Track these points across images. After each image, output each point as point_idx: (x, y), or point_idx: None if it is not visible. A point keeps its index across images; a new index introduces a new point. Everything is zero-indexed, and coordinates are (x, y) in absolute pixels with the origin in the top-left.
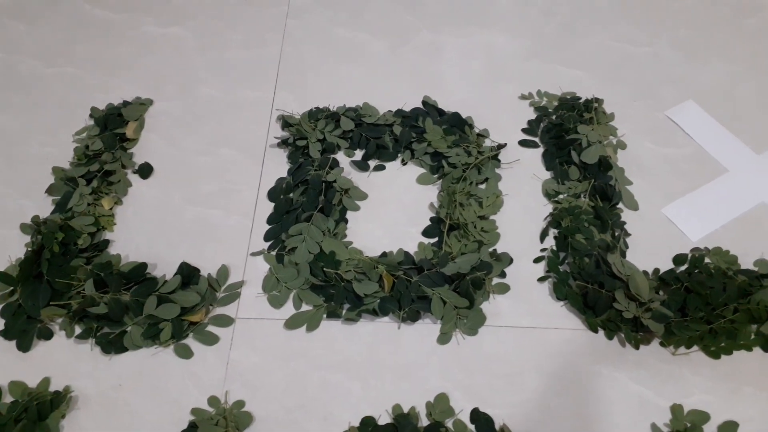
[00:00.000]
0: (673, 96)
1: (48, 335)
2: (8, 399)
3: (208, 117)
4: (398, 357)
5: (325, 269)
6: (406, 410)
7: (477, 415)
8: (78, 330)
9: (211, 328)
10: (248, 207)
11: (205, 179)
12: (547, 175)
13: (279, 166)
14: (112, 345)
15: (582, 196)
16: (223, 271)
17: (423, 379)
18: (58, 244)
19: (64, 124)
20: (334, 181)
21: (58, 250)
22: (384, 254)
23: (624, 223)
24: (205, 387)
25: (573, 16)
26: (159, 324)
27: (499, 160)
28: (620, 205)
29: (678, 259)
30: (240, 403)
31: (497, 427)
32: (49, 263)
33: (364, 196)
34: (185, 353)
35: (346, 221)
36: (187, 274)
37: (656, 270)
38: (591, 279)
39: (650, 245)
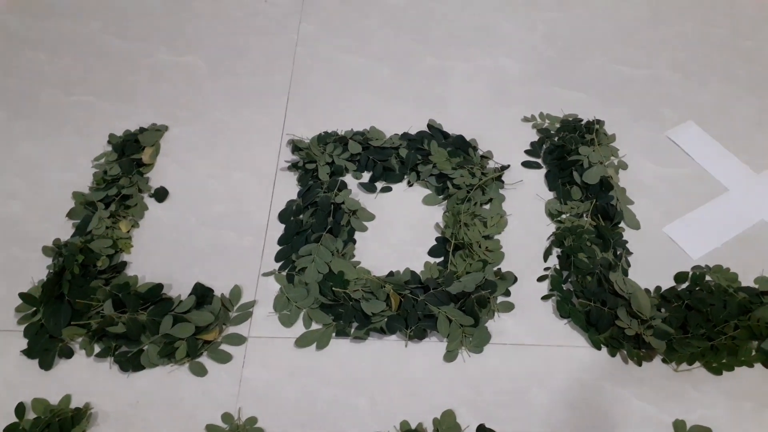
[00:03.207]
0: (673, 117)
1: (69, 354)
2: (31, 415)
3: (220, 141)
4: (405, 374)
5: (333, 289)
6: (413, 426)
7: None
8: (97, 349)
9: (224, 347)
10: (260, 228)
11: (218, 201)
12: (550, 195)
13: (289, 188)
14: (130, 363)
15: (584, 215)
16: (236, 292)
17: (430, 396)
18: (78, 266)
19: (83, 150)
20: (343, 203)
21: (79, 271)
22: (391, 273)
23: (626, 242)
24: (218, 404)
25: (574, 40)
26: (174, 343)
27: (502, 181)
28: (622, 225)
29: (679, 277)
30: (252, 420)
31: None
32: (70, 284)
33: (371, 217)
34: (200, 371)
35: (354, 241)
36: (201, 294)
37: (658, 288)
38: (593, 297)
39: (651, 264)
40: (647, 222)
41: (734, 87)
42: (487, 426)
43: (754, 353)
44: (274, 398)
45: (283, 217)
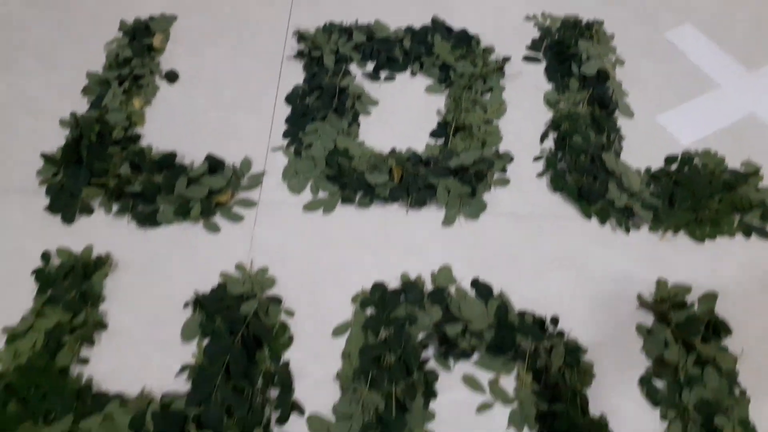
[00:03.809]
0: (672, 20)
1: (89, 211)
2: (56, 263)
3: (229, 31)
4: (406, 237)
5: (339, 161)
6: (412, 278)
7: (477, 283)
8: (115, 208)
9: (236, 209)
10: (267, 111)
11: (226, 86)
12: (549, 87)
13: (295, 77)
14: (147, 220)
15: (581, 104)
16: (246, 162)
17: (428, 255)
18: (95, 135)
19: (95, 36)
20: (347, 87)
21: (95, 140)
22: (393, 151)
23: (619, 128)
24: (232, 257)
25: None
26: (189, 203)
27: (503, 72)
28: (616, 114)
29: (669, 160)
30: (264, 270)
31: (495, 293)
32: (88, 150)
33: (375, 102)
34: (213, 228)
35: (359, 124)
36: (213, 163)
37: (648, 169)
38: (586, 173)
39: (643, 149)
40: (641, 112)
41: None
42: (480, 280)
43: (735, 225)
44: (283, 253)
45: (290, 99)
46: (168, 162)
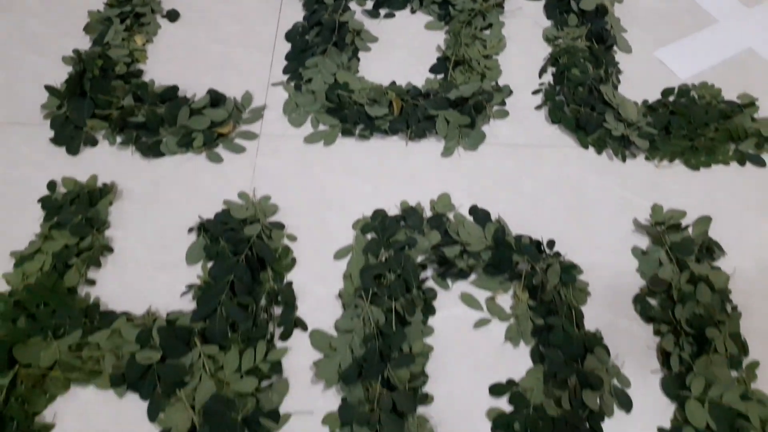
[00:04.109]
0: None
1: (93, 142)
2: (62, 191)
3: None
4: (406, 168)
5: (339, 93)
6: (412, 205)
7: (475, 209)
8: (119, 139)
9: (238, 141)
10: (267, 47)
11: (226, 23)
12: (548, 23)
13: (295, 14)
14: (150, 150)
15: (579, 40)
16: (247, 97)
17: (427, 184)
18: (98, 69)
19: None
20: (347, 22)
21: (98, 74)
22: (393, 83)
23: (617, 62)
24: (234, 185)
25: None
26: (191, 134)
27: (503, 8)
28: (615, 49)
29: (666, 92)
30: (267, 198)
31: (492, 219)
32: (91, 83)
33: (374, 39)
34: (216, 159)
35: (359, 59)
36: (215, 97)
37: (645, 101)
38: (584, 103)
39: (641, 83)
40: (639, 47)
41: None
42: (479, 207)
43: (730, 153)
44: (285, 183)
45: (289, 36)
46: (170, 94)
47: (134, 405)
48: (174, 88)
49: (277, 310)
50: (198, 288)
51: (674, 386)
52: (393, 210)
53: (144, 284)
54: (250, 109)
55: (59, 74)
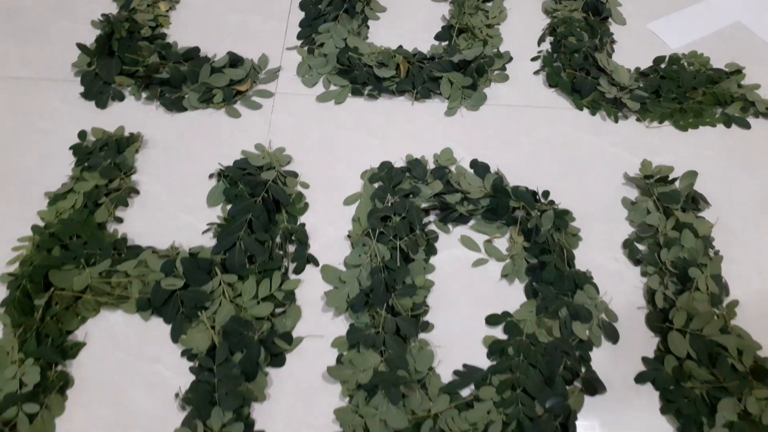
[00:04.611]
0: None
1: (120, 97)
2: (91, 140)
3: None
4: (411, 125)
5: (350, 56)
6: (417, 158)
7: (475, 163)
8: (144, 95)
9: (255, 99)
10: (282, 16)
11: None
12: None
13: None
14: (174, 105)
15: (576, 12)
16: (263, 59)
17: (431, 140)
18: (125, 30)
19: None
20: None
21: (125, 35)
22: (400, 47)
23: (612, 33)
24: (252, 138)
25: None
26: (212, 90)
27: None
28: (609, 21)
29: (657, 60)
30: (281, 149)
31: (492, 171)
32: (119, 43)
33: (383, 9)
34: (234, 114)
35: (368, 27)
36: (234, 58)
37: (637, 68)
38: (579, 69)
39: (634, 53)
40: (633, 19)
41: None
42: (479, 160)
43: (717, 116)
44: (299, 136)
45: (303, 5)
46: (193, 54)
47: (159, 327)
48: (196, 49)
49: (291, 249)
50: (218, 227)
51: (658, 320)
52: (399, 163)
53: (168, 223)
54: (266, 71)
55: (89, 37)
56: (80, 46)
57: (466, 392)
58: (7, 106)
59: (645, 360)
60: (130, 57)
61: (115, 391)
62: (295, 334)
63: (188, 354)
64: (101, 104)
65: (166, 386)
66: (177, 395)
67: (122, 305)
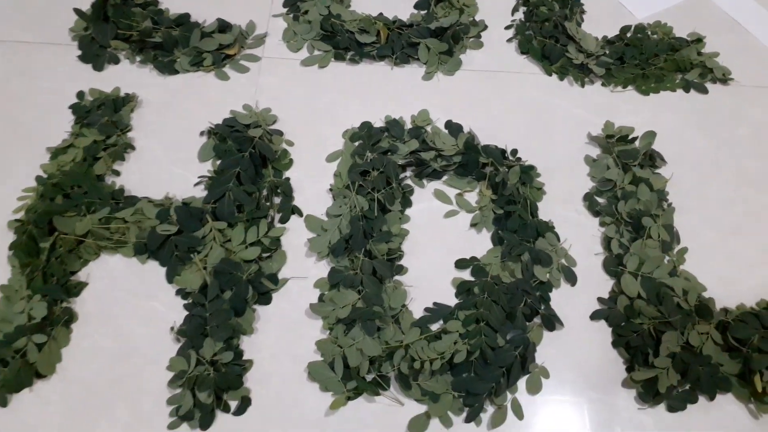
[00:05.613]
0: None
1: (116, 60)
2: (89, 100)
3: None
4: (390, 89)
5: (332, 23)
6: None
7: (450, 123)
8: (138, 58)
9: (243, 62)
10: None
11: None
12: None
13: None
14: (166, 68)
15: None
16: (251, 25)
17: (409, 103)
18: None
19: None
20: None
21: (119, 1)
22: (381, 15)
23: (582, 3)
24: (240, 99)
25: None
26: (202, 54)
27: None
28: None
29: (624, 29)
30: (267, 109)
31: (465, 131)
32: (114, 9)
33: None
34: (223, 77)
35: None
36: (222, 24)
37: (605, 36)
38: (549, 37)
39: (602, 22)
40: None
41: None
42: (453, 121)
43: (677, 82)
44: (284, 98)
45: None
46: (183, 20)
47: (154, 269)
48: (187, 15)
49: (277, 201)
50: (209, 179)
51: (613, 265)
52: (378, 123)
53: (162, 176)
54: (253, 36)
55: (85, 3)
56: (77, 11)
57: (435, 327)
58: (11, 68)
59: (600, 300)
60: (125, 22)
61: (115, 326)
62: (280, 276)
63: (182, 293)
64: (98, 67)
65: (162, 320)
66: (172, 328)
67: (121, 249)
